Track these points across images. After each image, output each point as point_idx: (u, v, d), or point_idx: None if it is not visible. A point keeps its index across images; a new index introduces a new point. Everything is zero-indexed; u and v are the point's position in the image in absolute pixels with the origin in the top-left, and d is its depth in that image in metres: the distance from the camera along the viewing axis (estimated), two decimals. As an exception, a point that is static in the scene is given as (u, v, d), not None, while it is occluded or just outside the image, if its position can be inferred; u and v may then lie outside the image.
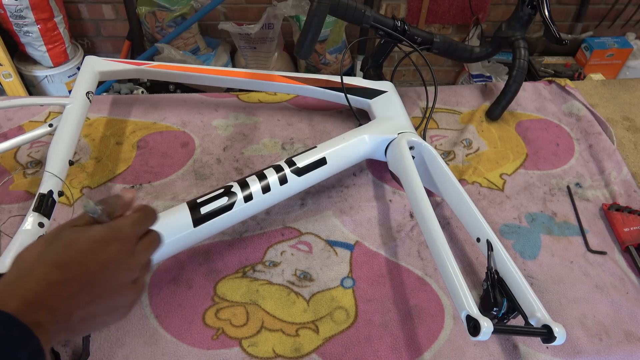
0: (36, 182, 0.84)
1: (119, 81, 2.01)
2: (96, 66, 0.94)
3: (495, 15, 2.21)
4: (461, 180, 0.91)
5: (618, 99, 1.13)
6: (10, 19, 1.82)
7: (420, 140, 0.81)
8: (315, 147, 0.78)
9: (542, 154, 0.98)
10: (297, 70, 2.28)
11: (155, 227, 0.45)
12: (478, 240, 0.68)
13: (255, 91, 1.08)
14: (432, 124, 1.03)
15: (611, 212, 0.86)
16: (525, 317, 0.59)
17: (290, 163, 0.74)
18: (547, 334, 0.56)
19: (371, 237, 0.81)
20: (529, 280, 0.74)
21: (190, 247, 0.76)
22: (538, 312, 0.58)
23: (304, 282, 0.74)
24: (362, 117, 0.95)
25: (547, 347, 0.68)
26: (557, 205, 0.89)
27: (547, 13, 0.95)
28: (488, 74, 2.19)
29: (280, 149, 0.95)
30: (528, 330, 0.58)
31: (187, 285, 0.73)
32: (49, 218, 0.67)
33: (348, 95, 0.92)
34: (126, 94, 1.97)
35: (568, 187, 0.92)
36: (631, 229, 0.83)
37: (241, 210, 0.68)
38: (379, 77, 1.01)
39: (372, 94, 0.93)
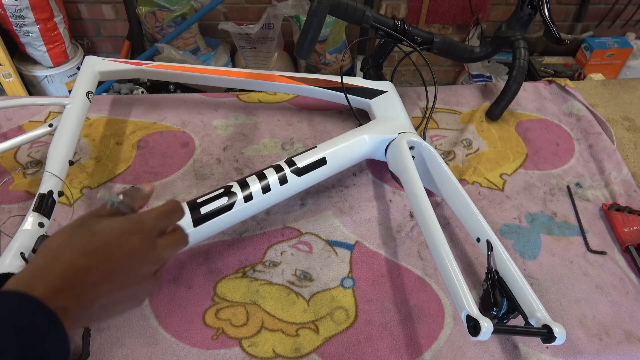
0: (36, 182, 0.84)
1: (119, 81, 2.01)
2: (96, 66, 0.94)
3: (495, 15, 2.21)
4: (461, 180, 0.91)
5: (618, 99, 1.13)
6: (10, 19, 1.82)
7: (420, 140, 0.81)
8: (315, 147, 0.78)
9: (542, 154, 0.98)
10: (297, 70, 2.28)
11: None
12: (478, 240, 0.68)
13: (255, 91, 1.08)
14: (432, 124, 1.03)
15: (611, 212, 0.86)
16: (525, 317, 0.59)
17: (290, 163, 0.74)
18: (547, 334, 0.56)
19: (371, 237, 0.81)
20: (529, 280, 0.74)
21: (190, 247, 0.76)
22: (538, 312, 0.58)
23: (304, 282, 0.74)
24: (362, 117, 0.95)
25: (547, 347, 0.68)
26: (557, 205, 0.89)
27: (547, 13, 0.95)
28: (488, 74, 2.19)
29: (280, 149, 0.95)
30: (528, 330, 0.58)
31: (187, 285, 0.73)
32: (49, 218, 0.67)
33: (348, 95, 0.92)
34: (126, 94, 1.97)
35: (568, 187, 0.92)
36: (631, 229, 0.83)
37: (241, 210, 0.68)
38: (379, 77, 1.01)
39: (372, 94, 0.93)
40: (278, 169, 0.73)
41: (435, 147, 0.97)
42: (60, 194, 0.71)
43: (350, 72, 2.28)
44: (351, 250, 0.79)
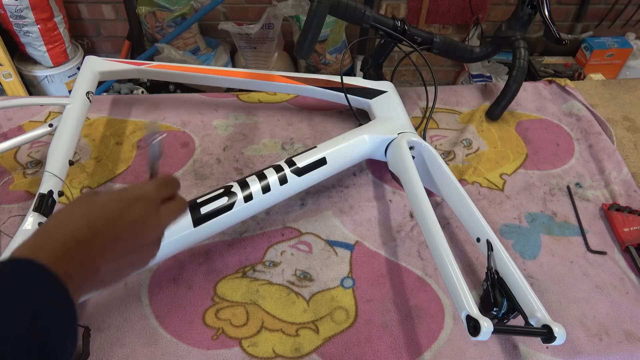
0: (36, 182, 0.84)
1: (119, 81, 2.01)
2: (96, 66, 0.94)
3: (495, 15, 2.21)
4: (461, 180, 0.91)
5: (618, 99, 1.13)
6: (10, 19, 1.81)
7: (420, 140, 0.81)
8: (315, 147, 0.78)
9: (542, 154, 0.98)
10: (297, 70, 2.28)
11: None
12: (478, 240, 0.68)
13: (255, 91, 1.08)
14: (432, 124, 1.03)
15: (611, 212, 0.86)
16: (525, 317, 0.59)
17: (290, 163, 0.74)
18: (547, 334, 0.56)
19: (371, 237, 0.81)
20: (529, 280, 0.74)
21: (190, 247, 0.76)
22: (538, 312, 0.58)
23: (304, 282, 0.74)
24: (362, 117, 0.95)
25: (547, 347, 0.68)
26: (557, 205, 0.89)
27: (547, 13, 0.95)
28: (488, 74, 2.19)
29: (280, 149, 0.95)
30: (528, 330, 0.58)
31: (187, 285, 0.73)
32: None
33: (348, 95, 0.92)
34: (126, 94, 1.97)
35: (568, 187, 0.92)
36: (631, 229, 0.83)
37: (241, 210, 0.68)
38: (379, 77, 1.01)
39: (372, 94, 0.93)
40: (278, 169, 0.73)
41: (435, 147, 0.97)
42: (61, 194, 0.71)
43: (350, 72, 2.28)
44: (351, 250, 0.79)
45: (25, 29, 1.85)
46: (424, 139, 0.84)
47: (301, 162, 0.75)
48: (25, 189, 0.84)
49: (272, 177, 0.71)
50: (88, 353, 0.63)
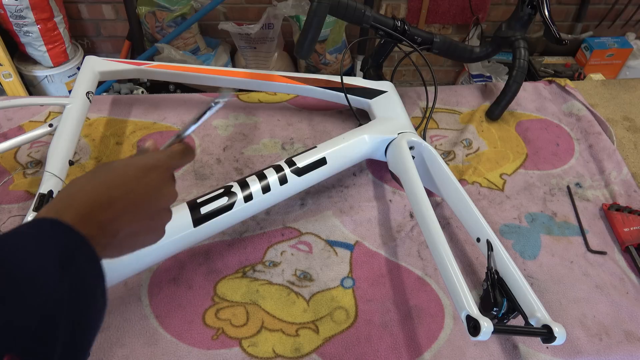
0: (36, 182, 0.84)
1: (119, 81, 2.01)
2: (96, 66, 0.94)
3: (495, 15, 2.21)
4: (461, 180, 0.91)
5: (618, 99, 1.13)
6: (10, 19, 1.81)
7: (420, 140, 0.81)
8: (315, 147, 0.78)
9: (542, 154, 0.98)
10: (297, 70, 2.28)
11: None
12: (478, 240, 0.68)
13: (255, 91, 1.08)
14: (432, 124, 1.03)
15: (611, 212, 0.86)
16: (525, 317, 0.59)
17: (290, 163, 0.74)
18: (547, 334, 0.56)
19: (371, 237, 0.81)
20: (529, 280, 0.74)
21: (190, 247, 0.76)
22: (538, 312, 0.58)
23: (304, 282, 0.74)
24: (362, 117, 0.95)
25: (547, 347, 0.68)
26: (557, 205, 0.89)
27: (547, 13, 0.95)
28: (488, 74, 2.19)
29: (280, 149, 0.95)
30: (528, 330, 0.58)
31: (187, 285, 0.73)
32: (49, 218, 0.67)
33: (348, 95, 0.92)
34: (126, 94, 1.97)
35: (568, 187, 0.92)
36: (631, 229, 0.83)
37: (241, 210, 0.68)
38: (379, 77, 1.01)
39: (372, 94, 0.93)
40: (278, 169, 0.73)
41: (435, 147, 0.97)
42: (60, 194, 0.71)
43: (350, 72, 2.28)
44: (351, 250, 0.79)
45: (25, 29, 1.85)
46: (424, 139, 0.84)
47: (301, 162, 0.75)
48: (25, 189, 0.84)
49: (272, 177, 0.71)
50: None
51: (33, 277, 0.30)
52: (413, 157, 0.79)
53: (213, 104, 0.46)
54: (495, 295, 0.61)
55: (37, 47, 1.91)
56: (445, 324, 0.71)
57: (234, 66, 2.22)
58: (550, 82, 1.16)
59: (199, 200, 0.66)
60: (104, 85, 1.96)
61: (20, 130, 0.95)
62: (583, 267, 0.79)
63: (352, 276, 0.75)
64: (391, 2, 2.11)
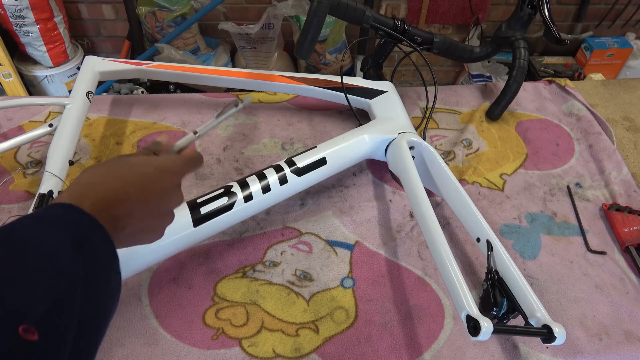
0: (36, 182, 0.84)
1: (119, 81, 2.01)
2: (96, 66, 0.94)
3: (495, 15, 2.21)
4: (461, 180, 0.91)
5: (618, 99, 1.13)
6: (10, 19, 1.82)
7: (420, 140, 0.81)
8: (315, 147, 0.78)
9: (542, 154, 0.98)
10: (297, 70, 2.28)
11: None
12: (478, 240, 0.68)
13: (255, 91, 1.08)
14: (432, 124, 1.03)
15: (611, 212, 0.86)
16: (525, 317, 0.59)
17: (290, 163, 0.74)
18: (547, 334, 0.56)
19: (371, 237, 0.81)
20: (529, 280, 0.74)
21: (190, 247, 0.76)
22: (538, 312, 0.58)
23: (304, 282, 0.74)
24: (362, 117, 0.95)
25: (547, 347, 0.68)
26: (557, 205, 0.89)
27: (547, 13, 0.95)
28: (488, 74, 2.19)
29: (280, 149, 0.95)
30: (528, 330, 0.58)
31: (187, 285, 0.73)
32: (49, 218, 0.67)
33: (348, 95, 0.92)
34: (126, 94, 1.97)
35: (568, 187, 0.92)
36: (631, 229, 0.83)
37: (241, 210, 0.68)
38: (379, 77, 1.01)
39: (372, 94, 0.93)
40: (278, 169, 0.73)
41: (435, 147, 0.97)
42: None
43: (350, 72, 2.28)
44: (351, 250, 0.79)
45: (25, 29, 1.85)
46: (424, 139, 0.84)
47: (301, 162, 0.75)
48: (25, 189, 0.84)
49: (272, 177, 0.71)
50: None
51: (48, 255, 0.31)
52: (413, 157, 0.79)
53: (234, 106, 0.46)
54: (495, 295, 0.61)
55: (37, 47, 1.92)
56: (445, 324, 0.71)
57: (234, 66, 2.23)
58: (550, 82, 1.16)
59: (199, 200, 0.66)
60: (104, 85, 1.97)
61: (20, 130, 0.95)
62: (583, 267, 0.79)
63: (352, 276, 0.75)
64: (391, 2, 2.11)
